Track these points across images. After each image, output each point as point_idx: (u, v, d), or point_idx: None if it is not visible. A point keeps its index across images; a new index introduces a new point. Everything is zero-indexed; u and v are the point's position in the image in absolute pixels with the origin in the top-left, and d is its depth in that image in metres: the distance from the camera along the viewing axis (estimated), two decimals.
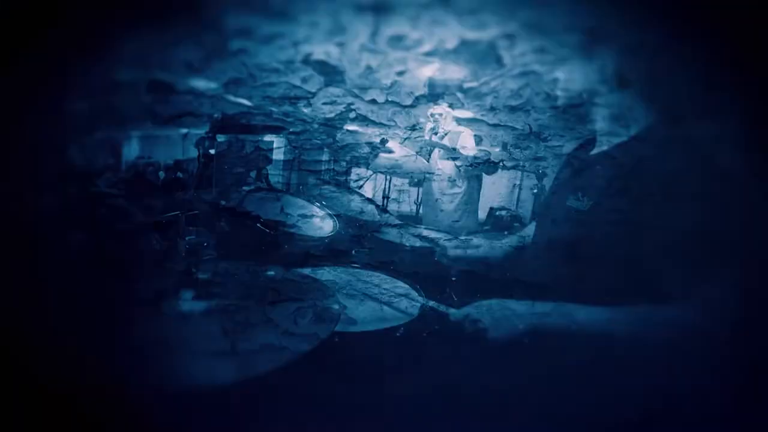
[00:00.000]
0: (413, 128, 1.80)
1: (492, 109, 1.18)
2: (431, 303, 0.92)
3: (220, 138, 1.49)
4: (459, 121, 1.81)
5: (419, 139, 1.88)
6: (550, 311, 0.76)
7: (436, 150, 1.98)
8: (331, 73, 1.03)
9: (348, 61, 0.96)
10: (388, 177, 2.16)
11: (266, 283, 0.94)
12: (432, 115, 1.86)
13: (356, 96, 1.16)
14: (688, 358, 0.68)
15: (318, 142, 1.73)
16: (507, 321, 0.75)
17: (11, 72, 0.65)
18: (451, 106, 1.22)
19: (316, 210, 1.58)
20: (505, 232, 1.20)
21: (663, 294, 0.69)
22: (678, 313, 0.68)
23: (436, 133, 1.86)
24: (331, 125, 1.47)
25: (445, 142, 1.94)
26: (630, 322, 0.71)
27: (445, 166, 2.01)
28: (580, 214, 0.82)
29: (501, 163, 1.74)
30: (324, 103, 1.22)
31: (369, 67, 0.98)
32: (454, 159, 1.89)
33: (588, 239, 0.80)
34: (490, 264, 1.13)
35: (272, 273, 0.99)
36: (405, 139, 1.83)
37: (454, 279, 1.11)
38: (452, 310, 0.84)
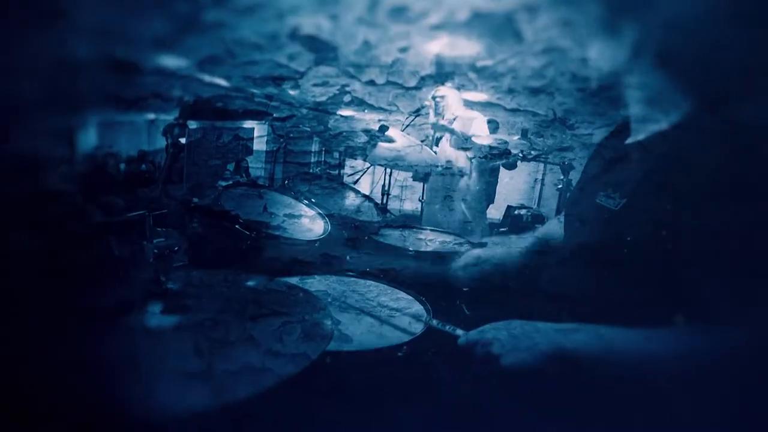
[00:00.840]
0: (418, 113, 1.80)
1: (510, 91, 1.18)
2: (434, 322, 0.92)
3: (193, 125, 1.49)
4: (471, 105, 1.81)
5: (424, 125, 1.88)
6: (577, 329, 0.76)
7: (444, 139, 1.99)
8: (322, 50, 1.02)
9: (342, 35, 0.95)
10: (389, 170, 2.16)
11: (247, 295, 0.93)
12: (434, 98, 1.86)
13: (352, 76, 1.16)
14: (740, 389, 0.67)
15: (307, 129, 1.73)
16: (527, 341, 0.75)
17: None
18: (459, 88, 1.22)
19: (304, 209, 1.58)
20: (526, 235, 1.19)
21: (709, 310, 0.68)
22: (728, 333, 0.68)
23: (442, 117, 1.86)
24: (323, 110, 1.46)
25: (455, 128, 1.94)
26: (671, 344, 0.71)
27: (455, 158, 2.01)
28: (610, 213, 0.82)
29: (521, 154, 1.74)
30: (314, 85, 1.22)
31: (366, 43, 0.98)
32: (466, 149, 1.89)
33: (620, 243, 0.80)
34: (507, 272, 1.13)
35: (253, 283, 0.99)
36: (407, 126, 1.83)
37: (465, 289, 1.11)
38: (460, 332, 0.84)
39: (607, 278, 0.80)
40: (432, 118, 1.88)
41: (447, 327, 0.89)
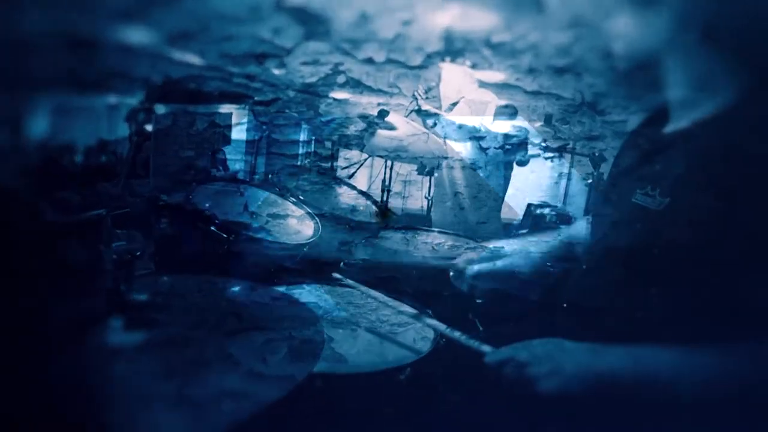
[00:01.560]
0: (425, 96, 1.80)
1: (531, 71, 1.18)
2: (457, 334, 0.90)
3: (161, 110, 1.49)
4: (486, 86, 1.81)
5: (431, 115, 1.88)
6: (610, 350, 0.76)
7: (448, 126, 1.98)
8: (312, 23, 1.02)
9: (335, 5, 0.95)
10: (390, 163, 2.16)
11: (224, 307, 0.93)
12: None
13: (346, 53, 1.15)
14: None
15: (294, 115, 1.73)
16: (551, 363, 0.75)
17: None
18: (474, 66, 1.22)
19: (291, 208, 1.58)
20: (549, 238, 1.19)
21: (763, 325, 0.68)
22: None
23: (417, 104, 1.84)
24: (313, 93, 1.46)
25: (454, 116, 1.93)
26: (726, 368, 0.71)
27: (466, 150, 2.01)
28: (650, 213, 0.82)
29: (543, 143, 1.74)
30: (303, 63, 1.22)
31: (364, 15, 0.98)
32: (479, 138, 1.90)
33: (662, 247, 0.80)
34: (526, 281, 1.13)
35: (233, 293, 0.99)
36: (411, 111, 1.83)
37: (479, 301, 1.11)
38: (487, 349, 0.83)
39: (646, 289, 0.80)
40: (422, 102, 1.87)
41: (470, 342, 0.86)
